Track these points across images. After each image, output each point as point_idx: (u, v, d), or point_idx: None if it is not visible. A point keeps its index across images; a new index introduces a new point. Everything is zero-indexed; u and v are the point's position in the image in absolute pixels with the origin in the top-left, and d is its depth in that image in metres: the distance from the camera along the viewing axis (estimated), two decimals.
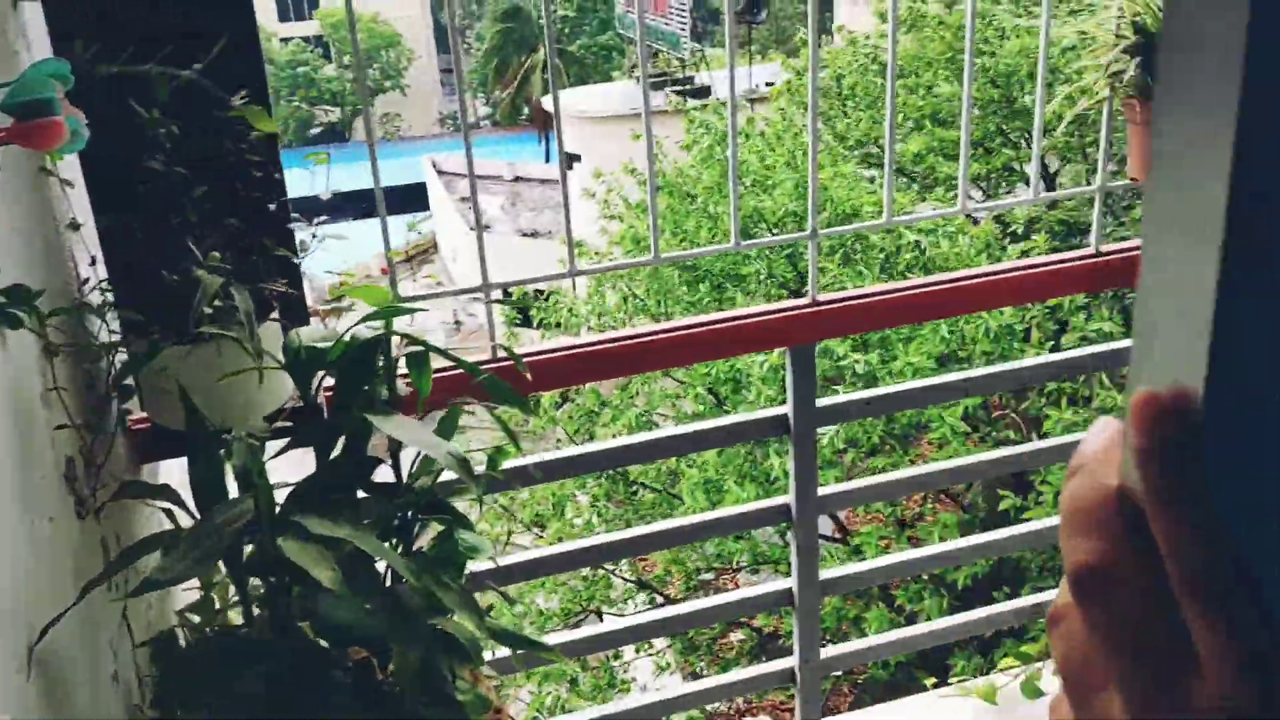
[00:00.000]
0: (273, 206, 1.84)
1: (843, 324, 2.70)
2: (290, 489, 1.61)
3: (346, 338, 1.75)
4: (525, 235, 33.56)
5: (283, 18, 51.63)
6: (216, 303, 1.62)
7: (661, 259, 2.49)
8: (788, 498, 2.75)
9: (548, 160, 44.86)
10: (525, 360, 2.12)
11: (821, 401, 2.69)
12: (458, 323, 34.11)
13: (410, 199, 43.21)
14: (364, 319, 1.74)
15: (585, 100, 31.86)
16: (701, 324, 2.53)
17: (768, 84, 20.64)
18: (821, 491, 2.75)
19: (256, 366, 1.63)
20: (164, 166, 1.62)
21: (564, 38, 48.66)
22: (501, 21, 48.02)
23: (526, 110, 48.90)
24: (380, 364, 1.75)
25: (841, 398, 2.81)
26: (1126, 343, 3.16)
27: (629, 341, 2.47)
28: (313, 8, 54.04)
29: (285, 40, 50.99)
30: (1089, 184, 4.31)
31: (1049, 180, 10.98)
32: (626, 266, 3.04)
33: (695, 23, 34.11)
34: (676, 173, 10.64)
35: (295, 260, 1.89)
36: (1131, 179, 2.80)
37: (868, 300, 2.65)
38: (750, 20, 32.61)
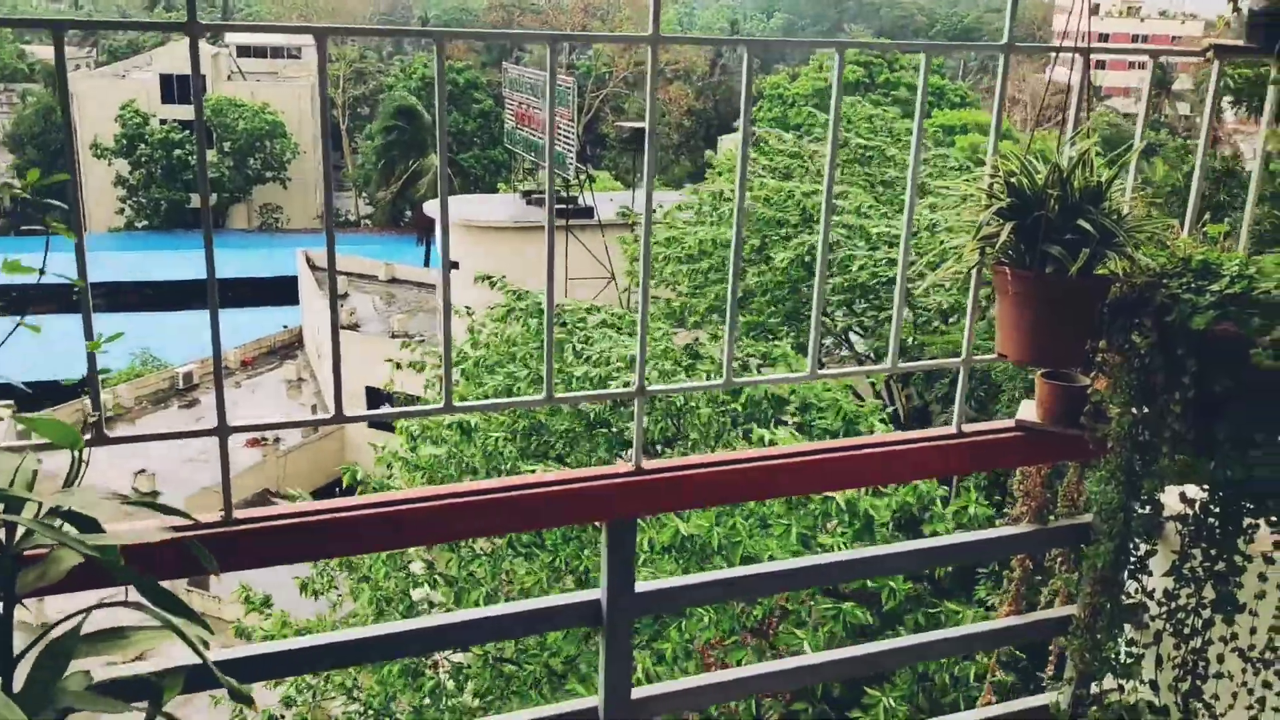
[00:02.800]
0: None
1: (671, 497, 2.32)
2: None
3: None
4: (395, 336, 32.85)
5: (166, 99, 50.52)
6: None
7: (455, 408, 2.08)
8: (595, 700, 2.32)
9: (427, 264, 44.42)
10: (316, 516, 1.70)
11: (642, 586, 2.29)
12: (276, 439, 32.79)
13: (282, 292, 42.10)
14: None
15: (470, 209, 31.68)
16: (498, 489, 2.12)
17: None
18: (637, 694, 2.32)
19: None
20: None
21: (455, 148, 48.76)
22: (393, 119, 47.94)
23: (409, 213, 48.53)
24: None
25: (667, 582, 2.41)
26: (1003, 530, 2.86)
27: (404, 507, 2.04)
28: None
29: (164, 121, 49.80)
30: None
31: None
32: (416, 414, 2.61)
33: (583, 145, 34.39)
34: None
35: None
36: (999, 355, 2.52)
37: (702, 471, 2.28)
38: (636, 149, 33.20)
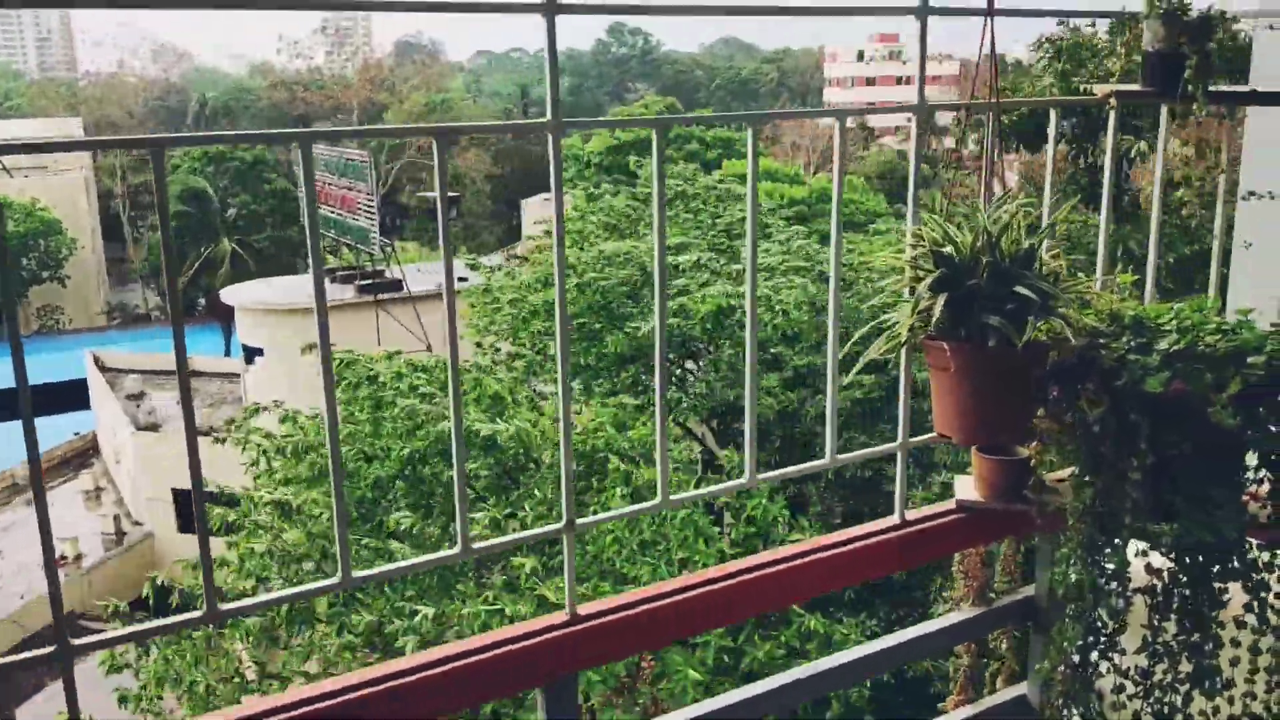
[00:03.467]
0: None
1: (615, 643, 2.01)
2: None
3: None
4: (203, 434, 31.06)
5: None
6: None
7: (353, 579, 1.73)
8: None
9: (228, 353, 42.38)
10: None
11: None
12: (120, 532, 30.63)
13: (69, 396, 39.28)
14: None
15: (269, 292, 30.41)
16: (402, 673, 1.76)
17: (460, 278, 20.41)
18: None
19: None
20: None
21: (248, 229, 46.94)
22: (180, 204, 45.71)
23: (202, 301, 46.32)
24: None
25: None
26: (950, 618, 2.65)
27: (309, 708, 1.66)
28: None
29: None
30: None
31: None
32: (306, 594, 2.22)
33: (384, 218, 33.77)
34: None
35: None
36: (941, 436, 2.33)
37: (647, 609, 1.98)
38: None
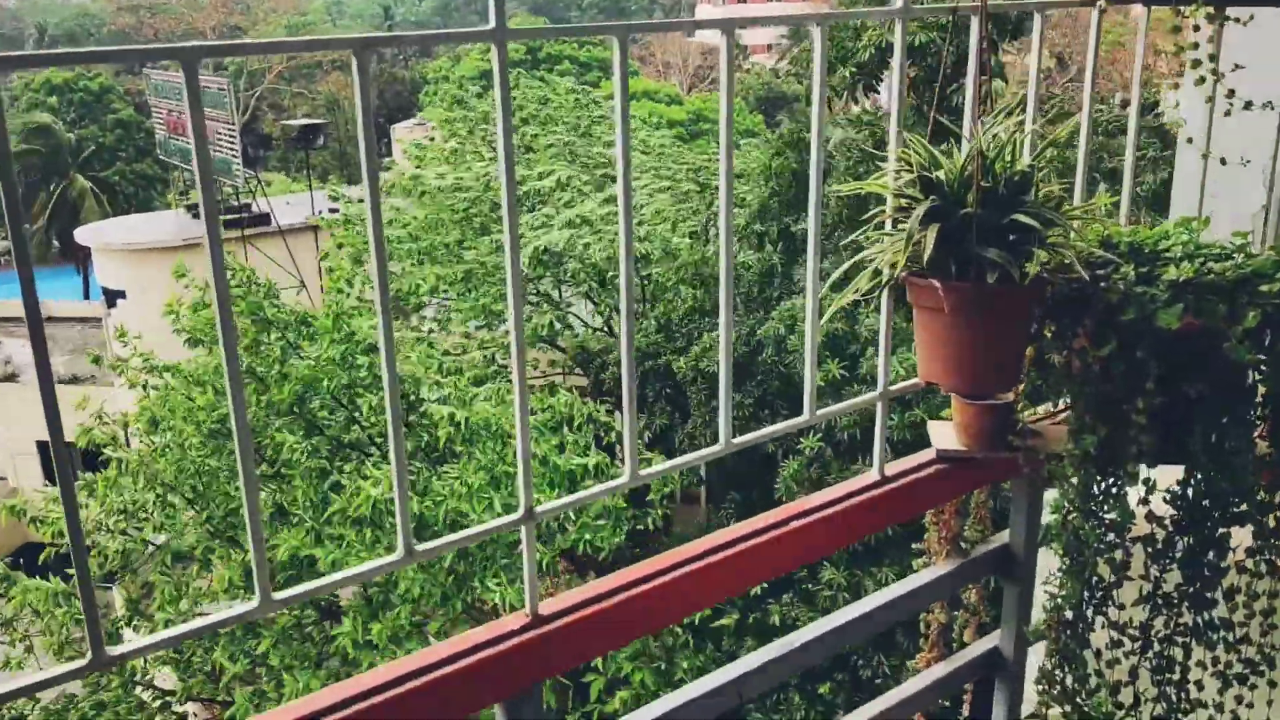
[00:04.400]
0: None
1: (582, 643, 1.74)
2: None
3: None
4: (65, 383, 29.49)
5: None
6: None
7: (274, 602, 1.42)
8: None
9: (86, 296, 40.23)
10: None
11: None
12: None
13: None
14: None
15: (129, 231, 28.84)
16: (342, 701, 1.47)
17: (331, 210, 19.54)
18: None
19: None
20: None
21: (96, 164, 44.37)
22: (25, 143, 42.84)
23: (57, 243, 43.77)
24: None
25: None
26: (928, 574, 2.45)
27: None
28: None
29: None
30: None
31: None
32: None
33: (245, 148, 32.34)
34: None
35: None
36: (927, 382, 2.09)
37: (617, 600, 1.71)
38: (306, 146, 31.29)
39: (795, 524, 2.00)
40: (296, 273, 25.36)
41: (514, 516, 1.62)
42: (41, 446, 27.05)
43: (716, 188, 14.45)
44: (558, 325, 14.10)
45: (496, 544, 7.28)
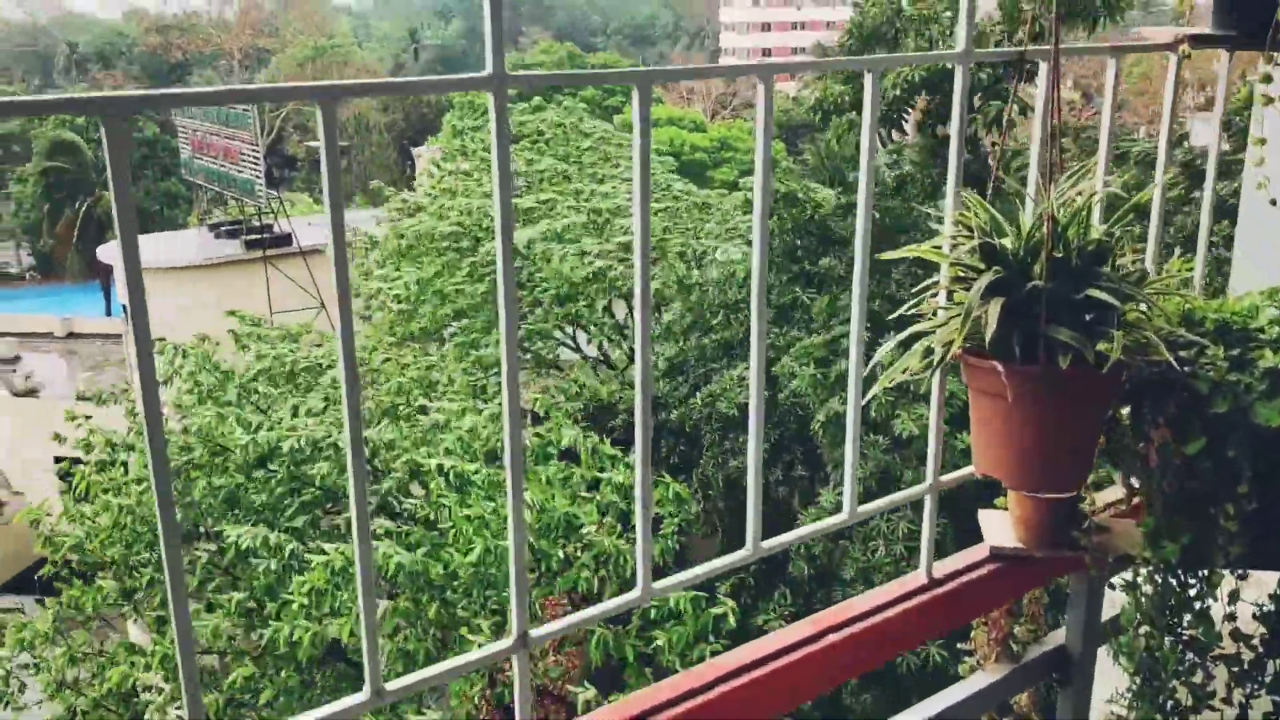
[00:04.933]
0: None
1: None
2: None
3: None
4: (84, 399, 29.50)
5: None
6: None
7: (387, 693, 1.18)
8: None
9: (109, 314, 40.31)
10: None
11: None
12: None
13: None
14: None
15: (150, 250, 28.89)
16: None
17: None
18: None
19: None
20: None
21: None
22: (51, 158, 43.05)
23: (70, 261, 43.87)
24: None
25: None
26: (976, 680, 2.18)
27: None
28: None
29: None
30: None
31: None
32: None
33: (270, 169, 32.41)
34: None
35: None
36: (984, 475, 1.84)
37: None
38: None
39: (833, 637, 1.75)
40: (317, 294, 25.30)
41: (503, 644, 1.37)
42: (58, 461, 26.99)
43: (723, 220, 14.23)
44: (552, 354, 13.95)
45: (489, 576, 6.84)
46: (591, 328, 14.15)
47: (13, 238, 50.23)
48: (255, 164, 26.62)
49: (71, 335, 36.01)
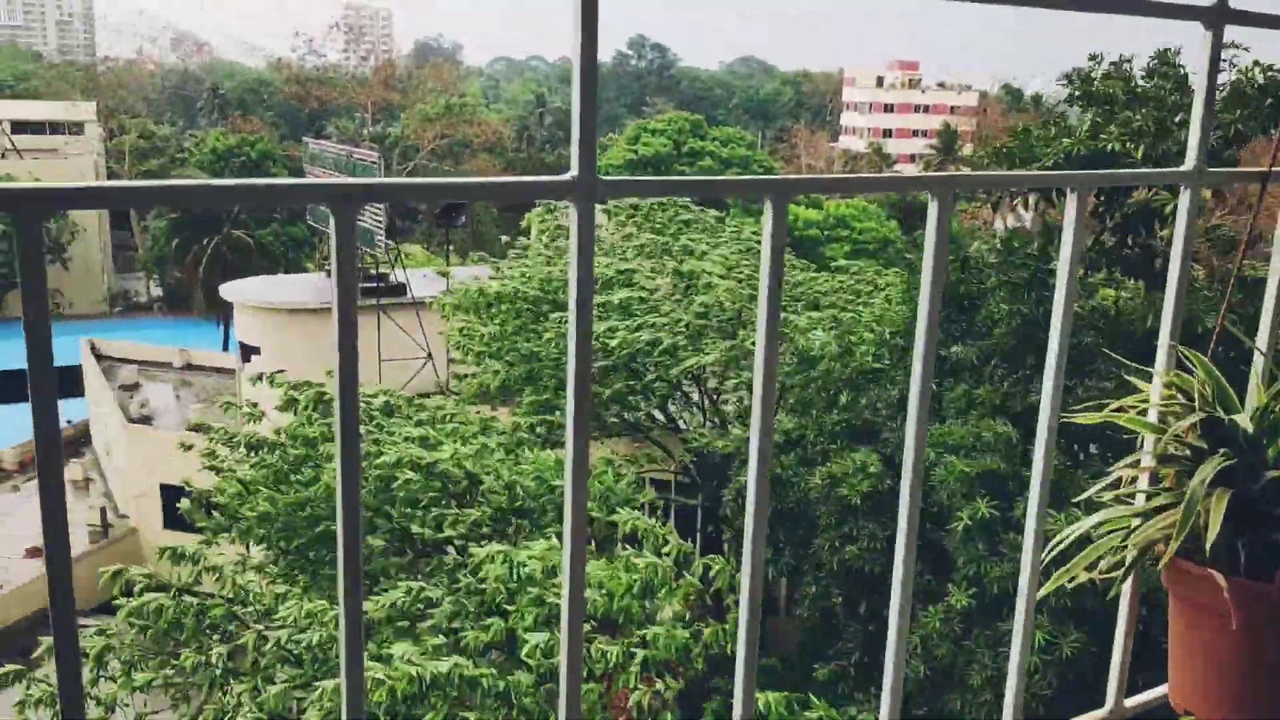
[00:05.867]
0: None
1: None
2: None
3: None
4: (192, 429, 30.28)
5: None
6: None
7: None
8: None
9: (225, 348, 41.55)
10: None
11: None
12: (106, 525, 29.80)
13: (62, 382, 38.47)
14: None
15: (270, 290, 29.67)
16: None
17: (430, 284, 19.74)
18: None
19: None
20: None
21: (252, 224, 46.26)
22: None
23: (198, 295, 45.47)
24: None
25: None
26: None
27: None
28: None
29: None
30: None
31: None
32: None
33: (391, 219, 33.21)
34: None
35: None
36: (1184, 710, 1.53)
37: None
38: (448, 224, 31.94)
39: None
40: (425, 344, 25.62)
41: None
42: (165, 490, 27.64)
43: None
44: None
45: None
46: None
47: (144, 269, 52.40)
48: (377, 215, 27.28)
49: (189, 366, 37.17)
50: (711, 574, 7.97)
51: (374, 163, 28.33)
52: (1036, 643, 7.60)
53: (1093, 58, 13.77)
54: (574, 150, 1.16)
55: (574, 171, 1.16)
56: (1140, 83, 13.39)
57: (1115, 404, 1.54)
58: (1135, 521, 1.46)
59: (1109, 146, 12.84)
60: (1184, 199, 1.59)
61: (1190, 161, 1.57)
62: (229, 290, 29.77)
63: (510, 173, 53.27)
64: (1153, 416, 1.51)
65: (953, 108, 75.87)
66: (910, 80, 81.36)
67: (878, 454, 9.45)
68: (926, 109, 76.41)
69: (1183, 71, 13.59)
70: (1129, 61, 13.82)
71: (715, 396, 14.12)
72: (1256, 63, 10.43)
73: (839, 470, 9.61)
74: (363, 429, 9.34)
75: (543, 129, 66.58)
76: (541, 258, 16.26)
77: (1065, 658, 7.64)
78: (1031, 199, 14.56)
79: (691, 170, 44.95)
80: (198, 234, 44.29)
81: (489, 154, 52.84)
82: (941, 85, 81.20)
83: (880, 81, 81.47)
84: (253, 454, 10.16)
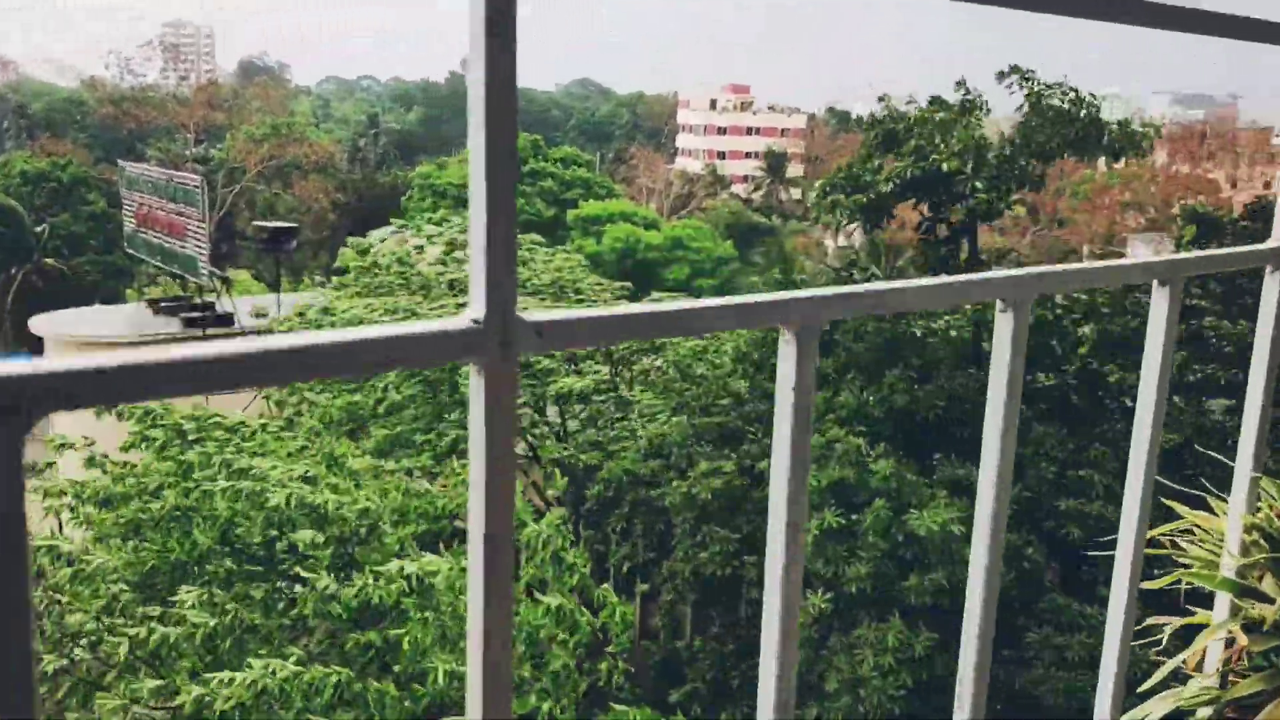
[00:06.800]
0: None
1: None
2: None
3: None
4: None
5: None
6: None
7: None
8: None
9: None
10: None
11: None
12: None
13: None
14: None
15: (85, 323, 27.97)
16: None
17: (299, 313, 18.96)
18: None
19: None
20: None
21: (67, 251, 43.67)
22: None
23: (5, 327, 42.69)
24: None
25: None
26: None
27: None
28: None
29: None
30: None
31: None
32: None
33: (218, 244, 31.73)
34: None
35: None
36: None
37: None
38: (277, 250, 30.72)
39: None
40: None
41: None
42: None
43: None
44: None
45: None
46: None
47: None
48: (200, 240, 25.97)
49: None
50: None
51: (196, 186, 27.03)
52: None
53: (881, 98, 15.30)
54: (477, 289, 0.77)
55: (480, 311, 0.77)
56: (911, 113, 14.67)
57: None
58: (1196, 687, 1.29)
59: (941, 165, 13.33)
60: (1269, 284, 1.40)
61: (1276, 239, 1.40)
62: (39, 323, 27.85)
63: (348, 194, 51.77)
64: (1228, 567, 1.31)
65: (783, 130, 77.77)
66: (742, 103, 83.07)
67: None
68: (758, 131, 78.09)
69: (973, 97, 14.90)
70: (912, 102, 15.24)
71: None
72: None
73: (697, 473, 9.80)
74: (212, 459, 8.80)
75: (377, 149, 65.21)
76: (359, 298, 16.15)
77: None
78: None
79: (533, 190, 44.63)
80: (5, 264, 41.57)
81: (320, 174, 51.29)
82: (772, 108, 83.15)
83: (714, 104, 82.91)
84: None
